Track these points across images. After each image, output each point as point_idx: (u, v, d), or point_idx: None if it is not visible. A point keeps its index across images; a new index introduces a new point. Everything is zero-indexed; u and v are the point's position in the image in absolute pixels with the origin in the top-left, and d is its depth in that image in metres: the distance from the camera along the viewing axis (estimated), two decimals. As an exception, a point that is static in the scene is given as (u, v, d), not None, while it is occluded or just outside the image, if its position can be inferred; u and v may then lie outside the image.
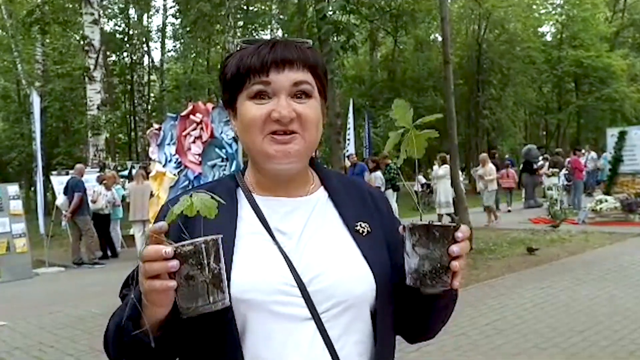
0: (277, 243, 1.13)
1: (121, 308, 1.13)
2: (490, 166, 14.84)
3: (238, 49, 1.20)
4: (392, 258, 1.19)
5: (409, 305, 1.19)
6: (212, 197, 0.99)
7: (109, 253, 11.99)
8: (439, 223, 1.04)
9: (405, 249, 1.06)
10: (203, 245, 0.94)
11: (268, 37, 26.18)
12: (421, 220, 1.07)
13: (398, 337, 1.26)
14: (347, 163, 14.93)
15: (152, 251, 0.95)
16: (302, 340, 1.09)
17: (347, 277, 1.13)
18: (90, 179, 12.63)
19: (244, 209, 1.19)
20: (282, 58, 1.12)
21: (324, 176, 1.28)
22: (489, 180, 14.42)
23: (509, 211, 17.25)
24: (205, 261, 0.94)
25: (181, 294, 0.96)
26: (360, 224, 1.20)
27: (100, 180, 12.43)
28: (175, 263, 0.94)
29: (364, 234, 1.19)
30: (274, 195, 1.21)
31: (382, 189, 12.65)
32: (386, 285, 1.16)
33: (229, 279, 1.06)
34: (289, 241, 1.15)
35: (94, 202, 11.80)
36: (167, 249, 0.94)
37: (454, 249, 1.03)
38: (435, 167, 14.29)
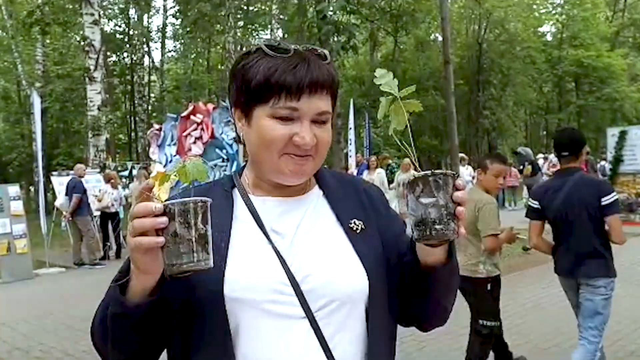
0: (271, 243, 1.14)
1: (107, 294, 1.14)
2: (413, 172, 13.72)
3: (255, 48, 1.17)
4: (387, 252, 1.20)
5: (411, 286, 1.19)
6: (205, 162, 1.01)
7: (110, 253, 11.98)
8: (438, 171, 1.05)
9: (409, 205, 1.06)
10: (192, 205, 0.96)
11: (268, 37, 26.19)
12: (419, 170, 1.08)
13: (403, 338, 1.26)
14: (352, 163, 14.93)
15: (142, 207, 0.96)
16: (296, 339, 1.10)
17: (340, 275, 1.14)
18: (90, 179, 12.63)
19: (240, 209, 1.21)
20: (316, 82, 1.12)
21: (319, 175, 1.28)
22: None
23: (512, 209, 17.32)
24: (193, 221, 0.96)
25: (167, 251, 0.97)
26: (354, 222, 1.21)
27: (107, 179, 12.45)
28: (164, 219, 0.95)
29: (357, 232, 1.20)
30: (270, 195, 1.22)
31: None
32: (380, 282, 1.16)
33: (223, 277, 1.08)
34: (282, 241, 1.16)
35: (99, 200, 11.82)
36: (157, 205, 0.95)
37: (458, 194, 1.04)
38: (408, 173, 13.58)
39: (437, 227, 1.03)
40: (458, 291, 1.29)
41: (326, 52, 1.20)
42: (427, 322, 1.30)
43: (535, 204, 3.90)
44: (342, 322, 1.13)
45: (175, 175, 1.00)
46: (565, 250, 3.78)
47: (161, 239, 0.96)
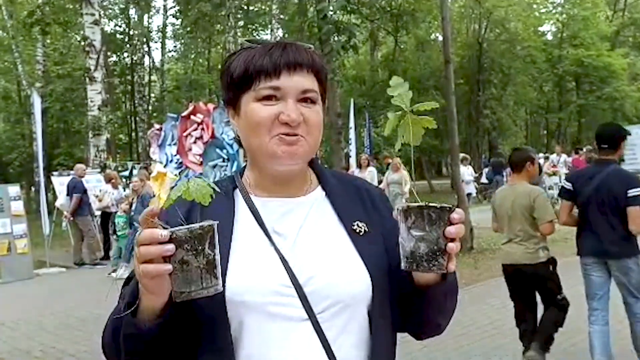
0: (273, 244, 1.14)
1: (118, 307, 1.13)
2: (405, 172, 12.83)
3: (241, 47, 1.19)
4: (390, 257, 1.18)
5: (405, 298, 1.18)
6: (209, 185, 1.00)
7: (110, 253, 11.97)
8: (435, 204, 1.02)
9: (400, 233, 1.04)
10: (199, 231, 0.95)
11: (269, 37, 26.19)
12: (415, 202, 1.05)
13: (404, 337, 1.25)
14: (352, 163, 14.91)
15: (148, 234, 0.95)
16: (299, 341, 1.09)
17: (343, 277, 1.13)
18: (91, 179, 12.62)
19: (241, 210, 1.20)
20: (294, 61, 1.13)
21: (322, 175, 1.28)
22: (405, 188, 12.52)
23: None
24: (200, 247, 0.95)
25: (175, 279, 0.96)
26: (358, 224, 1.20)
27: (107, 179, 12.46)
28: (171, 247, 0.94)
29: (361, 234, 1.19)
30: (271, 195, 1.21)
31: None
32: (383, 284, 1.15)
33: (224, 280, 1.07)
34: (285, 242, 1.15)
35: (100, 200, 11.84)
36: (163, 232, 0.94)
37: (451, 230, 1.02)
38: (398, 173, 12.73)
39: (425, 263, 1.01)
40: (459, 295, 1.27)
41: (309, 45, 1.21)
42: (421, 334, 1.30)
43: (568, 185, 4.36)
44: (345, 324, 1.12)
45: (176, 197, 0.98)
46: (591, 233, 4.22)
47: (168, 267, 0.95)
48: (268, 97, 1.12)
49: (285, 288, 1.10)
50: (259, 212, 1.18)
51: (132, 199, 10.02)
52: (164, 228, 0.95)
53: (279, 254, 1.12)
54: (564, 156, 18.69)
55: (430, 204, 1.02)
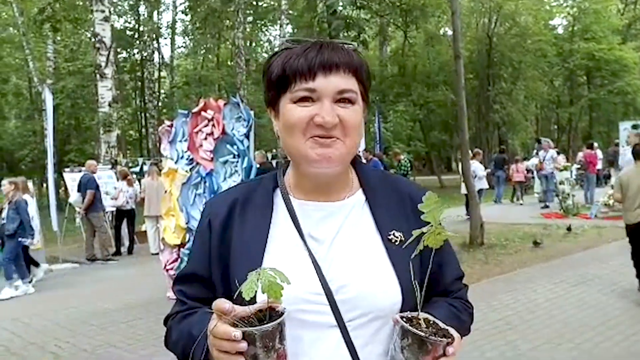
0: (308, 249, 1.13)
1: (184, 317, 1.20)
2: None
3: (281, 47, 1.18)
4: (424, 267, 1.16)
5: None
6: (280, 275, 0.98)
7: (122, 250, 12.06)
8: (434, 337, 1.01)
9: (393, 342, 1.05)
10: (270, 329, 0.96)
11: (277, 32, 26.20)
12: (419, 311, 1.06)
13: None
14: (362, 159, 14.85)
15: (221, 332, 0.97)
16: (327, 348, 1.09)
17: (374, 289, 1.12)
18: (102, 175, 12.72)
19: (280, 212, 1.19)
20: (329, 62, 1.11)
21: (364, 177, 1.26)
22: None
23: (521, 204, 17.21)
24: (271, 343, 0.97)
25: None
26: (394, 233, 1.18)
27: (123, 176, 12.55)
28: (244, 345, 0.96)
29: (396, 243, 1.17)
30: (311, 198, 1.20)
31: None
32: (414, 298, 1.12)
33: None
34: (320, 247, 1.14)
35: (114, 199, 11.95)
36: (237, 332, 0.95)
37: None
38: None
39: None
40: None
41: (351, 43, 1.20)
42: None
43: None
44: (374, 334, 1.12)
45: (248, 295, 0.96)
46: None
47: None
48: (304, 99, 1.11)
49: (315, 295, 1.09)
50: (297, 215, 1.18)
51: (3, 206, 9.09)
52: (236, 324, 0.97)
53: (312, 259, 1.12)
54: (551, 152, 17.88)
55: (430, 337, 1.01)
